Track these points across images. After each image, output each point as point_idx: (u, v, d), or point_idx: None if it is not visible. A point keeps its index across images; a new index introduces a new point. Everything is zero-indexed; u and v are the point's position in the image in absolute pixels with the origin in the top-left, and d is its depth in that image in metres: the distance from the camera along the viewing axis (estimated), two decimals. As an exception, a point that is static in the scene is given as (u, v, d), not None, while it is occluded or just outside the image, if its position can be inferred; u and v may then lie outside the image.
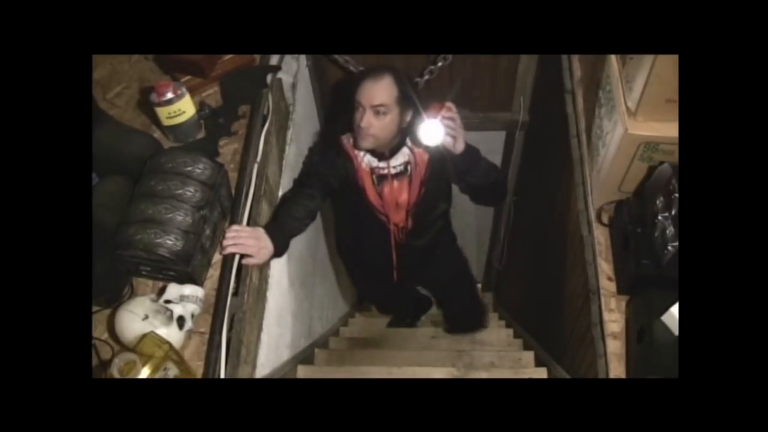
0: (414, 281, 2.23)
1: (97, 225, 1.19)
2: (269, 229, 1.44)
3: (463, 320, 2.67)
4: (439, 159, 1.58)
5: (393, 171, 1.61)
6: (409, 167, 1.61)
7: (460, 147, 1.47)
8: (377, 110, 1.47)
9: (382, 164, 1.60)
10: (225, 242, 1.33)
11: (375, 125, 1.49)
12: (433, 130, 1.42)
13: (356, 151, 1.59)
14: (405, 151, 1.59)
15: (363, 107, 1.48)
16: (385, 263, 1.83)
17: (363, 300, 3.38)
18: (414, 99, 1.52)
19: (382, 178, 1.62)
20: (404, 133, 1.57)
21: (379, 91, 1.47)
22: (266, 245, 1.38)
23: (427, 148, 1.55)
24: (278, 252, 1.44)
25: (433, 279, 2.18)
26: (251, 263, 1.36)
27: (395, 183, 1.62)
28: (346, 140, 1.61)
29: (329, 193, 1.65)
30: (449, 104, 1.43)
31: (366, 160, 1.60)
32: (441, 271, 2.04)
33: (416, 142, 1.55)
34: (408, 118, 1.53)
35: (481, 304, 2.72)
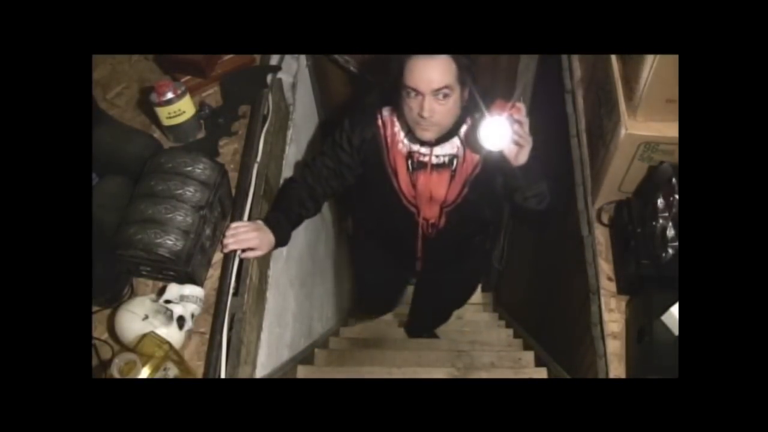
0: (437, 274, 1.99)
1: (97, 225, 1.19)
2: (271, 219, 1.41)
3: (427, 322, 2.64)
4: (492, 163, 1.34)
5: (435, 160, 1.39)
6: (455, 161, 1.39)
7: (522, 159, 1.22)
8: (441, 94, 1.23)
9: (423, 149, 1.38)
10: (225, 240, 1.33)
11: (438, 111, 1.26)
12: (497, 132, 1.17)
13: (396, 129, 1.39)
14: (455, 141, 1.37)
15: (420, 93, 1.23)
16: (408, 252, 1.67)
17: (360, 302, 3.14)
18: (474, 80, 1.29)
19: (419, 166, 1.40)
20: (462, 116, 1.34)
21: (438, 70, 1.21)
22: (267, 236, 1.37)
23: (480, 149, 1.29)
24: (280, 242, 1.41)
25: (444, 279, 1.97)
26: (252, 256, 1.36)
27: (434, 174, 1.41)
28: (388, 116, 1.39)
29: (343, 184, 1.50)
30: (520, 104, 1.20)
31: (405, 142, 1.39)
32: (454, 283, 1.93)
33: (470, 139, 1.34)
34: (467, 94, 1.30)
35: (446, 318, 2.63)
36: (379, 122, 1.40)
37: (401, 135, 1.39)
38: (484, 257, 1.89)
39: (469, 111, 1.33)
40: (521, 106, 1.19)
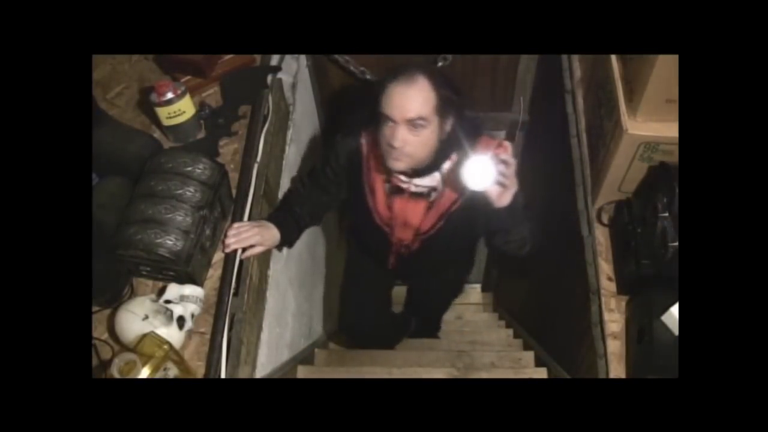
0: (409, 275, 2.00)
1: (97, 225, 1.19)
2: (276, 216, 1.44)
3: (426, 324, 2.57)
4: (473, 201, 1.27)
5: (414, 189, 1.35)
6: (433, 194, 1.35)
7: (505, 201, 1.16)
8: (414, 124, 1.17)
9: (404, 177, 1.34)
10: (227, 240, 1.34)
11: (411, 143, 1.20)
12: (480, 171, 1.11)
13: (379, 151, 1.30)
14: (435, 176, 1.32)
15: (394, 121, 1.18)
16: (382, 262, 1.65)
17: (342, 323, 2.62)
18: (459, 114, 1.24)
19: (397, 191, 1.37)
20: (444, 150, 1.27)
21: (414, 99, 1.16)
22: (269, 232, 1.40)
23: (461, 188, 1.24)
24: (286, 239, 1.44)
25: (425, 287, 2.04)
26: (256, 252, 1.38)
27: (411, 202, 1.37)
28: (373, 135, 1.32)
29: (336, 199, 1.52)
30: (506, 143, 1.17)
31: (386, 165, 1.30)
32: (435, 287, 1.95)
33: (452, 176, 1.28)
34: (448, 127, 1.24)
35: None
36: (363, 140, 1.37)
37: (382, 158, 1.31)
38: (464, 269, 1.92)
39: (453, 145, 1.27)
40: (508, 145, 1.17)
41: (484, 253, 3.69)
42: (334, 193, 1.51)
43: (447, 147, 1.27)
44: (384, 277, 1.96)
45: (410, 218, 1.41)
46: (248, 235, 1.35)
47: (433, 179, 1.33)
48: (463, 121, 1.26)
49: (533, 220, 1.31)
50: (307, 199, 1.52)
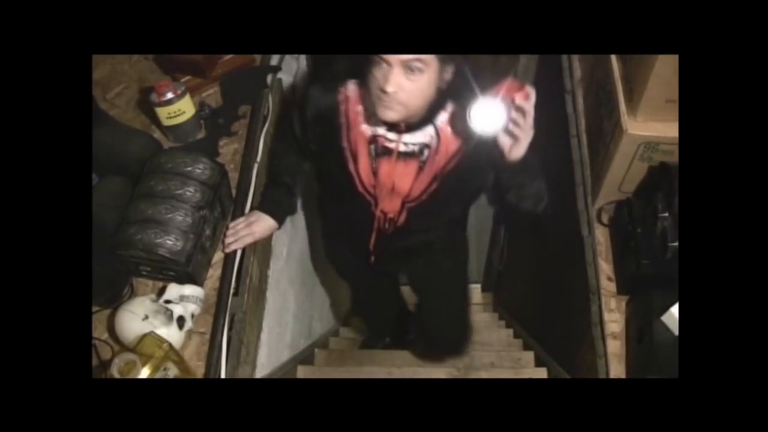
0: (392, 269, 1.81)
1: (97, 225, 1.19)
2: (270, 199, 1.41)
3: (442, 339, 2.01)
4: (475, 156, 1.16)
5: (402, 148, 1.20)
6: (426, 151, 1.19)
7: (518, 154, 1.04)
8: (409, 66, 1.03)
9: (390, 135, 1.19)
10: (227, 240, 1.35)
11: (406, 88, 1.05)
12: (491, 115, 0.98)
13: (359, 108, 1.20)
14: (429, 130, 1.18)
15: (388, 63, 1.04)
16: (360, 242, 1.45)
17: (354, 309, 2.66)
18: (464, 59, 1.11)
19: (383, 152, 1.21)
20: (441, 100, 1.14)
21: None
22: (265, 223, 1.39)
23: (466, 135, 1.13)
24: (284, 218, 1.42)
25: (416, 278, 1.80)
26: (251, 240, 1.39)
27: (400, 163, 1.21)
28: (353, 90, 1.20)
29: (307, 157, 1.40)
30: (529, 88, 0.98)
31: (369, 123, 1.20)
32: (427, 274, 1.65)
33: (450, 128, 1.16)
34: (448, 76, 1.09)
35: (467, 324, 2.04)
36: (341, 96, 1.21)
37: (366, 115, 1.19)
38: (453, 243, 1.58)
39: (450, 96, 1.14)
40: (531, 93, 0.97)
41: (483, 252, 3.70)
42: (304, 150, 1.37)
43: (444, 98, 1.14)
44: (371, 274, 1.76)
45: (399, 183, 1.24)
46: (245, 234, 1.37)
47: (425, 134, 1.18)
48: (465, 74, 1.11)
49: (544, 176, 1.18)
50: (292, 166, 1.43)
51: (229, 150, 1.57)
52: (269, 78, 1.67)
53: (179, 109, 1.49)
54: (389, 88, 1.04)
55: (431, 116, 1.16)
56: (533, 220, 1.23)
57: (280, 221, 1.42)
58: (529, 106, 0.97)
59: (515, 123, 0.99)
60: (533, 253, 2.51)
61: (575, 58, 1.77)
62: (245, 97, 1.64)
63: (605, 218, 1.51)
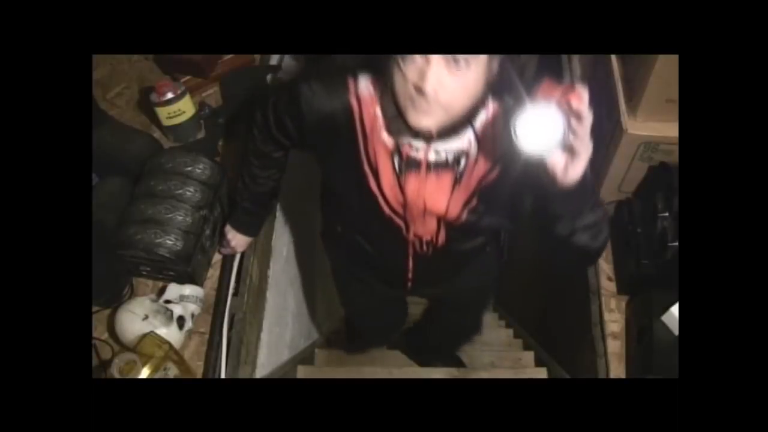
0: (430, 290, 1.55)
1: (97, 225, 1.19)
2: (237, 218, 1.32)
3: (444, 347, 2.05)
4: (520, 170, 0.90)
5: (433, 158, 0.96)
6: (463, 160, 0.96)
7: (575, 174, 0.81)
8: (454, 59, 0.82)
9: (417, 142, 0.95)
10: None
11: (449, 87, 0.82)
12: (543, 128, 0.75)
13: (377, 110, 0.96)
14: (467, 134, 0.94)
15: (424, 56, 0.82)
16: (393, 271, 1.24)
17: (352, 334, 2.40)
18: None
19: (410, 165, 0.97)
20: (483, 98, 0.90)
21: None
22: (240, 240, 1.36)
23: (506, 142, 0.89)
24: (253, 233, 1.37)
25: (450, 291, 1.49)
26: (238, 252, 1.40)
27: (431, 177, 0.98)
28: (366, 88, 0.96)
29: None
30: (582, 88, 0.77)
31: (391, 129, 0.96)
32: (462, 285, 1.38)
33: (490, 133, 0.94)
34: (495, 66, 0.87)
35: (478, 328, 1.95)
36: (352, 97, 0.97)
37: (386, 119, 0.96)
38: (490, 266, 1.42)
39: (492, 92, 0.91)
40: (583, 93, 0.76)
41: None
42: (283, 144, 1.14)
43: (486, 94, 0.90)
44: (395, 303, 1.65)
45: (432, 201, 1.01)
46: (227, 252, 1.38)
47: (462, 140, 0.94)
48: (513, 60, 0.91)
49: (598, 203, 0.92)
50: (265, 180, 1.24)
51: (229, 150, 1.57)
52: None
53: (179, 109, 1.49)
54: (428, 87, 0.81)
55: (471, 118, 0.92)
56: (588, 257, 0.99)
57: (253, 234, 1.38)
58: (586, 110, 0.77)
59: (573, 132, 0.77)
60: (533, 253, 2.51)
61: (575, 58, 1.77)
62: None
63: (605, 218, 1.51)
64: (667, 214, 1.29)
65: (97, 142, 1.25)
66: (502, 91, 0.91)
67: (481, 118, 0.94)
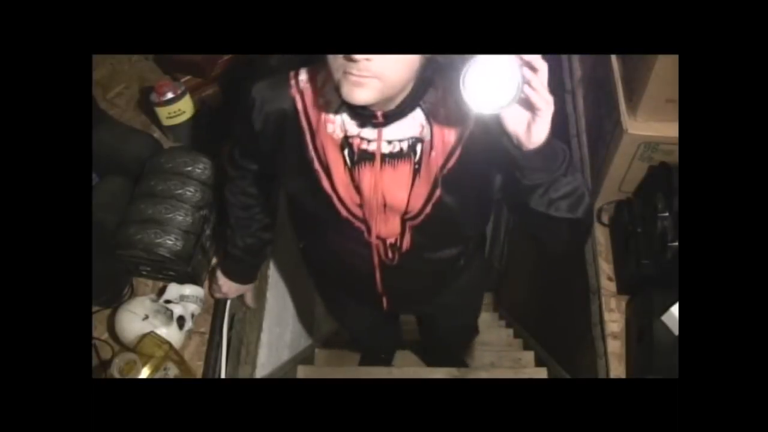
0: (410, 308, 1.51)
1: (97, 225, 1.19)
2: (227, 262, 1.26)
3: (446, 352, 2.09)
4: (483, 144, 0.86)
5: (387, 148, 0.91)
6: (419, 147, 0.90)
7: (540, 134, 0.76)
8: None
9: (366, 131, 0.90)
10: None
11: (380, 57, 0.78)
12: (495, 80, 0.71)
13: (320, 101, 0.91)
14: (417, 116, 0.88)
15: None
16: (365, 285, 1.16)
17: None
18: None
19: (363, 157, 0.92)
20: (426, 80, 0.86)
21: None
22: (231, 287, 1.29)
23: (461, 119, 0.85)
24: (247, 281, 1.31)
25: (434, 309, 1.45)
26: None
27: (387, 169, 0.92)
28: (306, 80, 0.93)
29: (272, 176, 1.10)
30: (538, 57, 0.74)
31: (337, 121, 0.90)
32: (447, 302, 1.32)
33: (443, 111, 0.87)
34: None
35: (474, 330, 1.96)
36: (293, 91, 0.93)
37: (331, 109, 0.90)
38: (474, 284, 1.35)
39: (441, 69, 0.85)
40: (543, 64, 0.73)
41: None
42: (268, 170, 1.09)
43: (434, 71, 0.85)
44: (385, 324, 1.67)
45: (391, 195, 0.95)
46: (219, 296, 1.32)
47: (413, 124, 0.88)
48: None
49: (574, 169, 0.85)
50: (249, 221, 1.20)
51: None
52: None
53: (179, 109, 1.49)
54: (357, 55, 0.77)
55: (416, 98, 0.86)
56: (575, 230, 0.89)
57: (245, 282, 1.30)
58: (539, 60, 0.73)
59: (529, 85, 0.71)
60: (533, 253, 2.51)
61: (575, 58, 1.77)
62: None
63: (605, 218, 1.51)
64: (667, 214, 1.28)
65: (97, 142, 1.25)
66: (451, 65, 0.81)
67: (430, 99, 0.88)
